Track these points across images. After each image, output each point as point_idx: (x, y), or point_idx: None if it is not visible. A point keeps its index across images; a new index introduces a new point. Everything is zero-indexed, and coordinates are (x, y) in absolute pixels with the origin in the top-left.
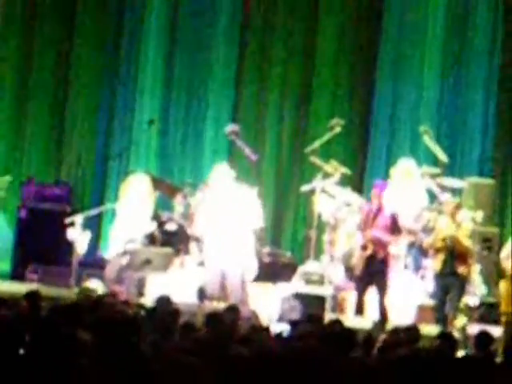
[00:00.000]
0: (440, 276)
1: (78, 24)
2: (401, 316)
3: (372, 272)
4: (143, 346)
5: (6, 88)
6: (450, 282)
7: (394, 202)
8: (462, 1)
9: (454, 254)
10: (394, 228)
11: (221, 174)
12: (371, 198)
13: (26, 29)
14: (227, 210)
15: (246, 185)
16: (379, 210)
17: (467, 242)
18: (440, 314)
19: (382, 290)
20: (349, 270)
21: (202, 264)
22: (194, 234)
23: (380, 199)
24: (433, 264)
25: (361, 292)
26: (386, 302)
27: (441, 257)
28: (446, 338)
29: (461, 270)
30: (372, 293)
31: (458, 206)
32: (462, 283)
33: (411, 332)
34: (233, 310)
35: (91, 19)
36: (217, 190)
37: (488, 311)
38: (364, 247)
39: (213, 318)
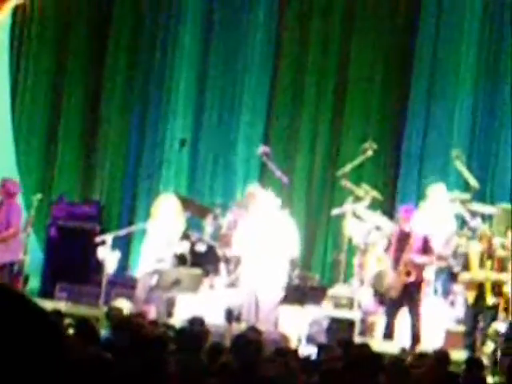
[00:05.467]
0: (472, 308)
1: (110, 45)
2: (429, 341)
3: (406, 296)
4: (170, 366)
5: (38, 109)
6: (482, 312)
7: (424, 227)
8: (496, 23)
9: (486, 289)
10: (427, 249)
11: (267, 199)
12: (399, 221)
13: (58, 49)
14: (268, 236)
15: (287, 213)
16: (410, 233)
17: (501, 276)
18: (469, 340)
19: (416, 313)
20: (378, 293)
21: (231, 285)
22: (223, 255)
23: (409, 223)
24: (466, 295)
25: (392, 316)
26: (420, 326)
27: (473, 292)
28: (474, 363)
29: (493, 301)
30: (402, 317)
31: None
32: (493, 312)
33: (441, 356)
34: (254, 330)
35: (124, 38)
36: (260, 214)
37: None
38: (407, 273)
39: (240, 340)
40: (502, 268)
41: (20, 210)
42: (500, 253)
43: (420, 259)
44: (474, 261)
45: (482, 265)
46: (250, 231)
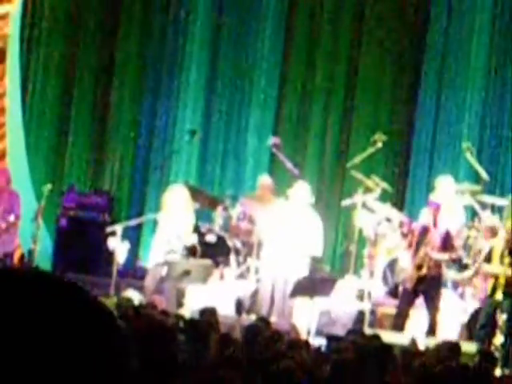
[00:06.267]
0: (490, 300)
1: (120, 35)
2: (439, 333)
3: (421, 289)
4: (180, 356)
5: (48, 99)
6: (500, 303)
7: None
8: (506, 19)
9: (499, 285)
10: (448, 246)
11: (302, 191)
12: (425, 215)
13: (68, 40)
14: (292, 229)
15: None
16: (431, 227)
17: None
18: (483, 332)
19: (432, 307)
20: (391, 284)
21: (241, 276)
22: (234, 246)
23: (436, 217)
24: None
25: (405, 307)
26: (436, 320)
27: (491, 285)
28: (485, 355)
29: (502, 297)
30: (415, 309)
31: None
32: (504, 307)
33: (452, 348)
34: (263, 321)
35: (134, 29)
36: (292, 206)
37: None
38: (419, 267)
39: (251, 331)
40: None
41: (20, 197)
42: None
43: (437, 255)
44: (496, 254)
45: (501, 260)
46: (275, 221)
